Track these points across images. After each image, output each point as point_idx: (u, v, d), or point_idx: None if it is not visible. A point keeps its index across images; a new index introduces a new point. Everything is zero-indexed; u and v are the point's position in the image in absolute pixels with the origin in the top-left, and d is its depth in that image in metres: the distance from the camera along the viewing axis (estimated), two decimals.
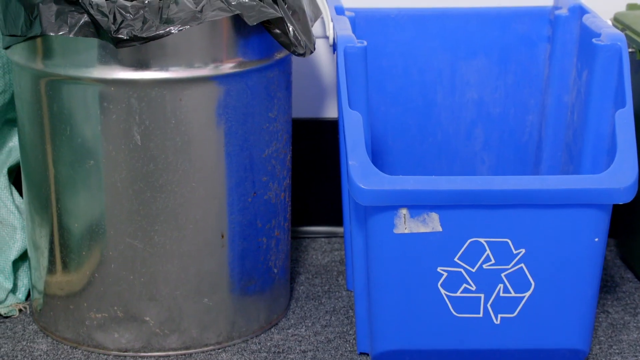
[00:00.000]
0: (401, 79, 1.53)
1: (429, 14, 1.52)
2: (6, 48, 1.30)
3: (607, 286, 1.51)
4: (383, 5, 1.52)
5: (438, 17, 1.51)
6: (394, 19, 1.51)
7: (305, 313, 1.44)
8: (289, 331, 1.40)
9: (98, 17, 1.20)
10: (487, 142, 1.54)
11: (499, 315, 1.27)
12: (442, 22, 1.52)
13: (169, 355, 1.34)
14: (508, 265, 1.25)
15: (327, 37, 1.41)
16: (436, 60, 1.52)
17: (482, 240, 1.24)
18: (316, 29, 1.53)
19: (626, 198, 1.20)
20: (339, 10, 1.46)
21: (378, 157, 1.54)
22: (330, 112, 1.64)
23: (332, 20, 1.40)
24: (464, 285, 1.26)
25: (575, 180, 1.21)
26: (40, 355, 1.34)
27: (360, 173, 1.21)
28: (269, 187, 1.34)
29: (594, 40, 1.31)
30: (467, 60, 1.52)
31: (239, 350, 1.35)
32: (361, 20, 1.49)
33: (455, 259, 1.24)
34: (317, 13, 1.39)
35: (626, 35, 1.42)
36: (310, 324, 1.42)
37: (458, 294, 1.26)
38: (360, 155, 1.23)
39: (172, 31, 1.21)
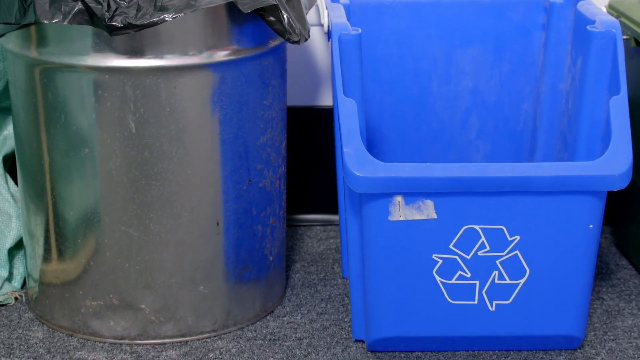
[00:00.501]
0: (396, 67, 1.52)
1: (423, 1, 1.51)
2: (0, 36, 1.29)
3: (602, 273, 1.51)
4: None
5: (433, 5, 1.51)
6: (388, 7, 1.51)
7: (301, 301, 1.45)
8: (285, 319, 1.40)
9: (92, 4, 1.20)
10: (482, 130, 1.54)
11: (494, 302, 1.27)
12: (437, 10, 1.51)
13: (164, 343, 1.34)
14: (503, 252, 1.25)
15: (321, 25, 1.41)
16: (431, 48, 1.52)
17: (477, 227, 1.24)
18: (311, 16, 1.53)
19: (620, 185, 1.20)
20: None
21: (373, 145, 1.54)
22: (325, 100, 1.64)
23: (326, 8, 1.39)
24: (459, 272, 1.26)
25: (570, 167, 1.21)
26: (36, 343, 1.34)
27: (355, 160, 1.21)
28: (264, 174, 1.34)
29: (588, 27, 1.31)
30: (462, 48, 1.52)
31: (235, 337, 1.36)
32: (356, 8, 1.49)
33: (450, 246, 1.25)
34: (312, 0, 1.39)
35: (621, 22, 1.42)
36: (305, 312, 1.42)
37: (453, 281, 1.26)
38: (355, 142, 1.22)
39: (167, 19, 1.21)
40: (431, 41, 1.52)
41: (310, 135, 1.64)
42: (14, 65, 1.30)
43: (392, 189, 1.21)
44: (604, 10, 1.42)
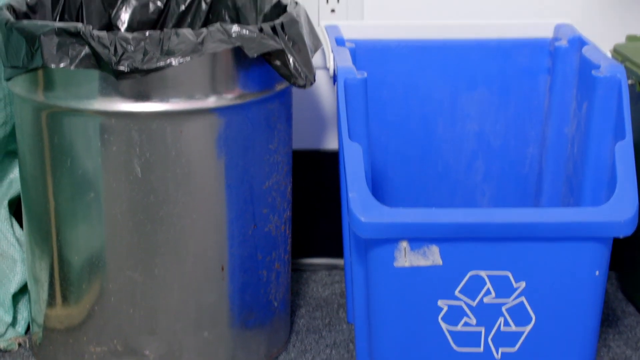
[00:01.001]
0: (402, 110, 1.53)
1: (429, 45, 1.52)
2: (8, 80, 1.30)
3: (608, 320, 1.50)
4: (383, 36, 1.52)
5: (438, 48, 1.52)
6: (394, 50, 1.51)
7: (306, 346, 1.44)
8: None
9: (99, 49, 1.20)
10: (487, 173, 1.54)
11: (500, 350, 1.27)
12: (442, 53, 1.52)
13: None
14: (508, 298, 1.24)
15: (327, 68, 1.41)
16: (437, 91, 1.53)
17: (482, 273, 1.23)
18: (316, 59, 1.54)
19: (626, 231, 1.20)
20: (340, 42, 1.46)
21: (378, 187, 1.54)
22: (331, 143, 1.64)
23: (332, 52, 1.40)
24: (465, 319, 1.25)
25: (576, 213, 1.21)
26: None
27: (360, 205, 1.21)
28: (270, 219, 1.34)
29: (593, 72, 1.32)
30: (468, 91, 1.52)
31: None
32: (362, 51, 1.49)
33: (456, 293, 1.24)
34: (318, 44, 1.40)
35: (626, 66, 1.43)
36: (310, 358, 1.41)
37: (459, 327, 1.26)
38: (360, 187, 1.22)
39: (173, 63, 1.21)
40: (437, 84, 1.53)
41: (315, 179, 1.64)
42: (21, 109, 1.31)
43: (398, 235, 1.21)
44: (609, 54, 1.42)
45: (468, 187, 1.55)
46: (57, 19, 1.42)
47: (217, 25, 1.23)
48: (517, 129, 1.53)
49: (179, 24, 1.49)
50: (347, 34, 1.50)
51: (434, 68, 1.52)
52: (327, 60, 1.41)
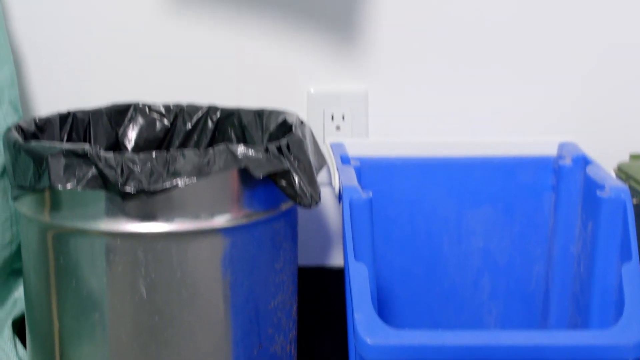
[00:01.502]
0: (407, 228, 1.53)
1: (433, 162, 1.53)
2: (14, 199, 1.30)
3: None
4: (388, 153, 1.53)
5: (443, 165, 1.52)
6: (399, 168, 1.52)
7: None
8: None
9: (106, 170, 1.21)
10: (494, 291, 1.54)
11: None
12: (447, 170, 1.53)
13: None
14: None
15: (332, 187, 1.42)
16: (442, 208, 1.53)
17: None
18: (322, 175, 1.54)
19: (635, 355, 1.19)
20: (345, 160, 1.47)
21: (384, 305, 1.53)
22: (336, 260, 1.64)
23: (337, 170, 1.40)
24: None
25: (583, 336, 1.20)
26: None
27: (366, 327, 1.20)
28: (275, 339, 1.33)
29: (598, 192, 1.32)
30: (473, 208, 1.53)
31: None
32: (366, 169, 1.50)
33: None
34: (323, 162, 1.41)
35: (630, 185, 1.43)
36: None
37: None
38: (366, 308, 1.21)
39: (179, 184, 1.22)
40: (442, 201, 1.53)
41: (320, 296, 1.63)
42: (27, 228, 1.31)
43: (404, 357, 1.20)
44: (613, 173, 1.43)
45: (474, 304, 1.54)
46: (65, 137, 1.43)
47: (223, 145, 1.24)
48: (523, 246, 1.53)
49: (185, 141, 1.50)
50: (352, 151, 1.51)
51: (438, 185, 1.52)
52: (332, 179, 1.42)
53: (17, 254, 1.44)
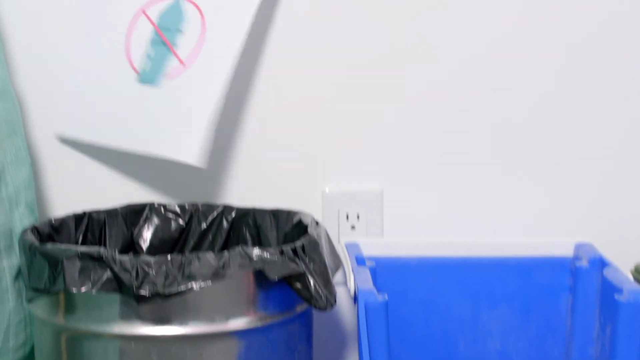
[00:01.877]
0: (423, 328, 1.51)
1: (449, 262, 1.52)
2: (29, 301, 1.30)
3: None
4: (403, 253, 1.53)
5: (458, 266, 1.52)
6: (414, 268, 1.51)
7: None
8: None
9: (121, 273, 1.21)
10: None
11: None
12: (462, 270, 1.52)
13: None
14: None
15: (348, 287, 1.41)
16: (458, 309, 1.52)
17: None
18: (337, 275, 1.54)
19: None
20: (360, 261, 1.46)
21: None
22: None
23: (352, 272, 1.40)
24: None
25: None
26: None
27: None
28: None
29: (616, 296, 1.31)
30: (489, 309, 1.51)
31: None
32: (382, 269, 1.49)
33: None
34: (338, 263, 1.40)
35: None
36: None
37: None
38: None
39: (194, 287, 1.21)
40: (457, 302, 1.52)
41: None
42: (41, 331, 1.30)
43: None
44: (630, 276, 1.42)
45: None
46: (81, 237, 1.43)
47: (239, 248, 1.24)
48: (540, 347, 1.51)
49: (200, 241, 1.50)
50: (367, 251, 1.51)
51: (454, 285, 1.52)
52: (347, 280, 1.41)
53: (30, 356, 1.43)
